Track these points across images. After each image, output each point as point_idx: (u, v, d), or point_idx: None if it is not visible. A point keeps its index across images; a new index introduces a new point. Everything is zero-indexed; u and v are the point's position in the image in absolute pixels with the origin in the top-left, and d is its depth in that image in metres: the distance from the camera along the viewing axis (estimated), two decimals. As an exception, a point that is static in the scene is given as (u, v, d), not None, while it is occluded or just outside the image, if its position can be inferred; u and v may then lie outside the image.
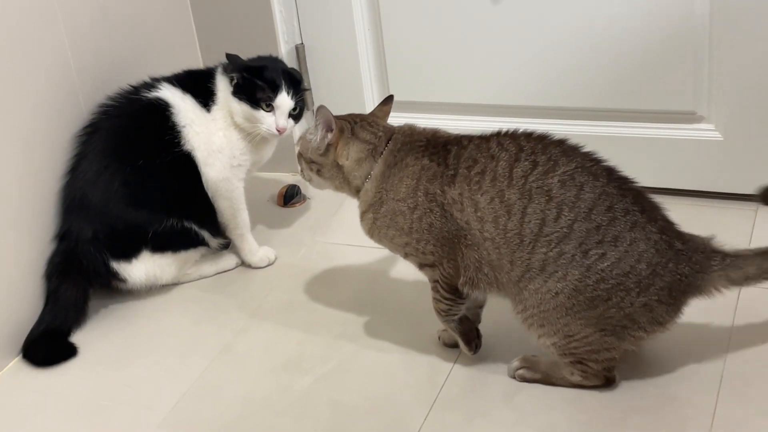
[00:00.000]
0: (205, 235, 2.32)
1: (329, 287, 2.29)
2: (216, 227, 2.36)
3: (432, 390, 1.91)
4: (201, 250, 2.35)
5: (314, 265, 2.37)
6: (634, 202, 1.75)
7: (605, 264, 1.72)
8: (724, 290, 1.79)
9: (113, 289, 2.29)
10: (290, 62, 2.61)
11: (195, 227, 2.29)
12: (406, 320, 2.13)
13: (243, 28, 2.61)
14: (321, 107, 1.90)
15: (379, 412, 1.89)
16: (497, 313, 2.07)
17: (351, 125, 1.95)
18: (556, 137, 1.83)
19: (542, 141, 1.81)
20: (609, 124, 2.44)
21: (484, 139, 1.84)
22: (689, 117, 2.35)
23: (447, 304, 1.91)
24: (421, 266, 1.92)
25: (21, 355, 2.14)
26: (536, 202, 1.75)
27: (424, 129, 1.94)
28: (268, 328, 2.17)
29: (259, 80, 2.25)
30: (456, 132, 1.92)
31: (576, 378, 1.85)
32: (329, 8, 2.57)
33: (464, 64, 2.50)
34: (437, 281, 1.90)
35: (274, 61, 2.35)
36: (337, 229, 2.50)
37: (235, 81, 2.27)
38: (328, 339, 2.10)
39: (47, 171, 2.22)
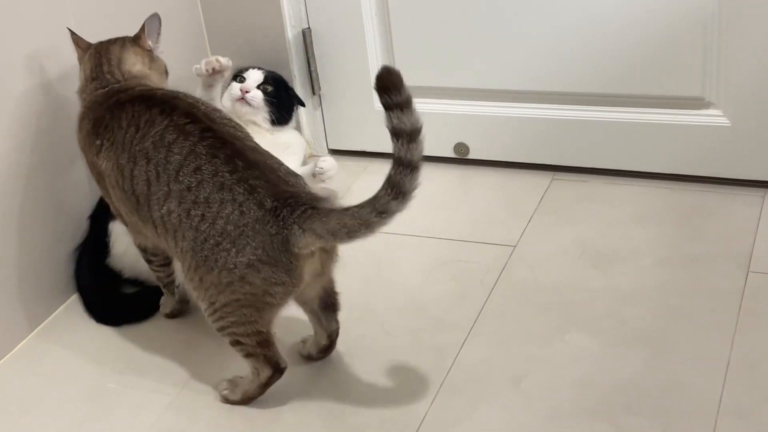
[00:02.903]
0: None
1: (335, 271, 2.28)
2: None
3: (438, 375, 1.92)
4: None
5: (321, 250, 2.37)
6: (226, 162, 1.73)
7: (204, 225, 1.73)
8: (320, 244, 1.72)
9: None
10: (297, 47, 2.62)
11: None
12: (413, 305, 2.13)
13: (249, 12, 2.60)
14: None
15: (385, 397, 1.89)
16: (509, 302, 2.08)
17: (90, 47, 2.05)
18: (173, 95, 1.87)
19: (147, 102, 1.85)
20: (616, 109, 2.43)
21: (121, 107, 1.88)
22: (697, 103, 2.34)
23: (153, 269, 2.07)
24: (122, 222, 2.02)
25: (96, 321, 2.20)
26: (139, 164, 1.80)
27: (130, 89, 1.94)
28: (275, 312, 2.17)
29: (241, 68, 2.51)
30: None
31: (255, 374, 1.86)
32: (336, -8, 2.56)
33: (472, 49, 2.49)
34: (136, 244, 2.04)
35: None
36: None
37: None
38: (335, 323, 2.11)
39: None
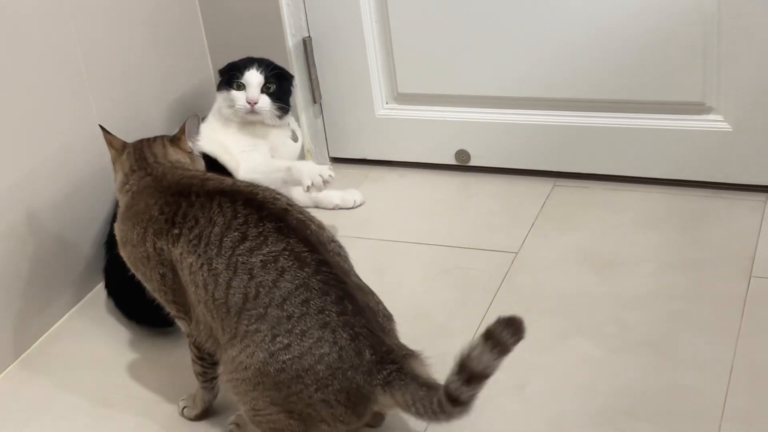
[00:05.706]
0: None
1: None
2: None
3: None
4: None
5: (322, 258, 2.37)
6: (336, 302, 1.66)
7: (287, 356, 1.64)
8: (398, 407, 1.67)
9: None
10: (297, 55, 2.62)
11: None
12: (413, 312, 2.12)
13: (250, 21, 2.60)
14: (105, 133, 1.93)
15: (388, 403, 1.88)
16: (511, 308, 2.08)
17: (126, 147, 1.92)
18: (283, 207, 1.74)
19: (259, 212, 1.72)
20: (617, 115, 2.43)
21: (209, 197, 1.75)
22: (698, 108, 2.34)
23: (200, 366, 1.87)
24: (174, 316, 1.85)
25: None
26: (240, 277, 1.68)
27: (179, 170, 1.86)
28: (277, 320, 2.17)
29: (233, 68, 2.41)
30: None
31: None
32: (337, 0, 2.56)
33: (472, 56, 2.49)
34: (188, 336, 1.85)
35: (252, 58, 2.44)
36: (344, 221, 2.50)
37: (219, 80, 2.44)
38: (337, 331, 2.10)
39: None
